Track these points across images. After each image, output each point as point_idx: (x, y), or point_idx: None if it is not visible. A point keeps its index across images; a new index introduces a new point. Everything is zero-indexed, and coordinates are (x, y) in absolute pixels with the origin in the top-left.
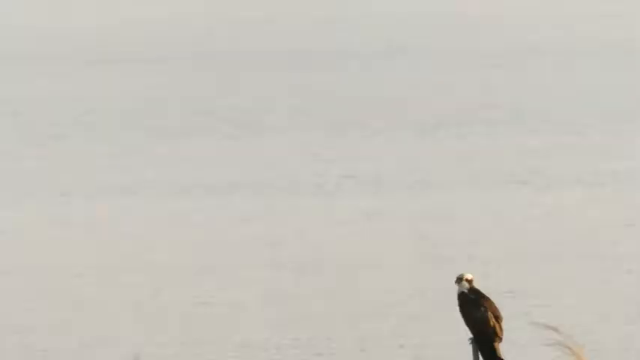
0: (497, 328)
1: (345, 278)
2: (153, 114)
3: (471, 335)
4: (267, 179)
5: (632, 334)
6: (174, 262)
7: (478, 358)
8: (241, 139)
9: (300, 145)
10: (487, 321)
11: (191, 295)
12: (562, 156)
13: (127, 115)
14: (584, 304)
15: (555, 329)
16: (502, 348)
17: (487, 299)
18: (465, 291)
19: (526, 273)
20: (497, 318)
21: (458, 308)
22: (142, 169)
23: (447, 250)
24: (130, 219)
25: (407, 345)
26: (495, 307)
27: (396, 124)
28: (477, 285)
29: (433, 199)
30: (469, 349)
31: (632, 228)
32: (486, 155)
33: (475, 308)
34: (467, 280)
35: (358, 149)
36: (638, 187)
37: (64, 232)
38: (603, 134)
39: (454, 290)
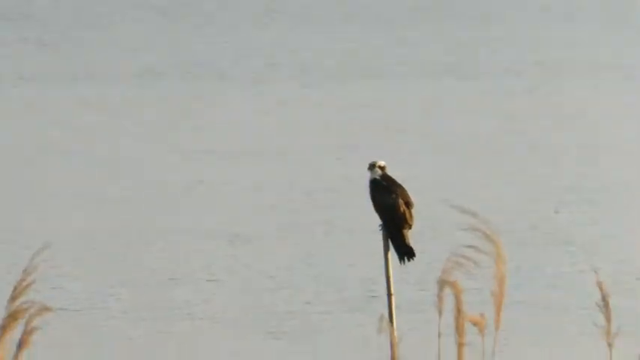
0: (407, 215)
1: None
2: None
3: (380, 222)
4: None
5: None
6: None
7: (388, 244)
8: None
9: None
10: (397, 207)
11: None
12: None
13: None
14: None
15: (473, 213)
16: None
17: (399, 186)
18: (378, 177)
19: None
20: (408, 204)
21: (369, 195)
22: None
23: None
24: None
25: None
26: (407, 194)
27: None
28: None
29: None
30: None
31: None
32: None
33: (386, 194)
34: (379, 167)
35: None
36: None
37: None
38: None
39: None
